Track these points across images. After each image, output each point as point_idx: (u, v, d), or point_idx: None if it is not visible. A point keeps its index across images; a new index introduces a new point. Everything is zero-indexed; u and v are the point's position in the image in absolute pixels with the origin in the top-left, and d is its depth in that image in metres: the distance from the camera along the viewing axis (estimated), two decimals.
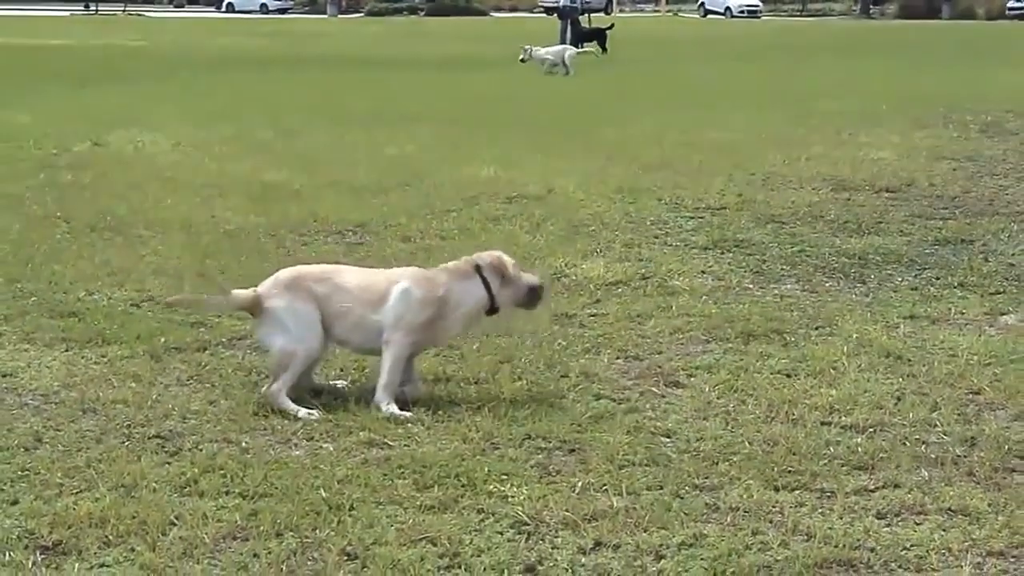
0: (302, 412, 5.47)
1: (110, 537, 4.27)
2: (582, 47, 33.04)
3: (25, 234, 9.26)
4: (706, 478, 4.80)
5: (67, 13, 71.98)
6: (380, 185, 11.50)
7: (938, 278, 8.18)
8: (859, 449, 5.08)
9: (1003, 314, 7.32)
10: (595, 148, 14.02)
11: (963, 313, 7.32)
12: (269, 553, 4.19)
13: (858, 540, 4.30)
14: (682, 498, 4.63)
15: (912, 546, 4.27)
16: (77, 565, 4.11)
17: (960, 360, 6.28)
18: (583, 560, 4.17)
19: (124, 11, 75.33)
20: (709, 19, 76.19)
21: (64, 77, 24.68)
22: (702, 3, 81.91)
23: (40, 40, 41.50)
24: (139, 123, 16.14)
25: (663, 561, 4.15)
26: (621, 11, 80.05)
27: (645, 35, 48.48)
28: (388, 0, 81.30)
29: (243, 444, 5.17)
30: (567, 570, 4.12)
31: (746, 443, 5.16)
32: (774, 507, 4.55)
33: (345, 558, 4.16)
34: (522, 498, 4.58)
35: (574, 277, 8.11)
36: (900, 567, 4.15)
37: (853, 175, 12.06)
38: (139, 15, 73.18)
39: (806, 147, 14.01)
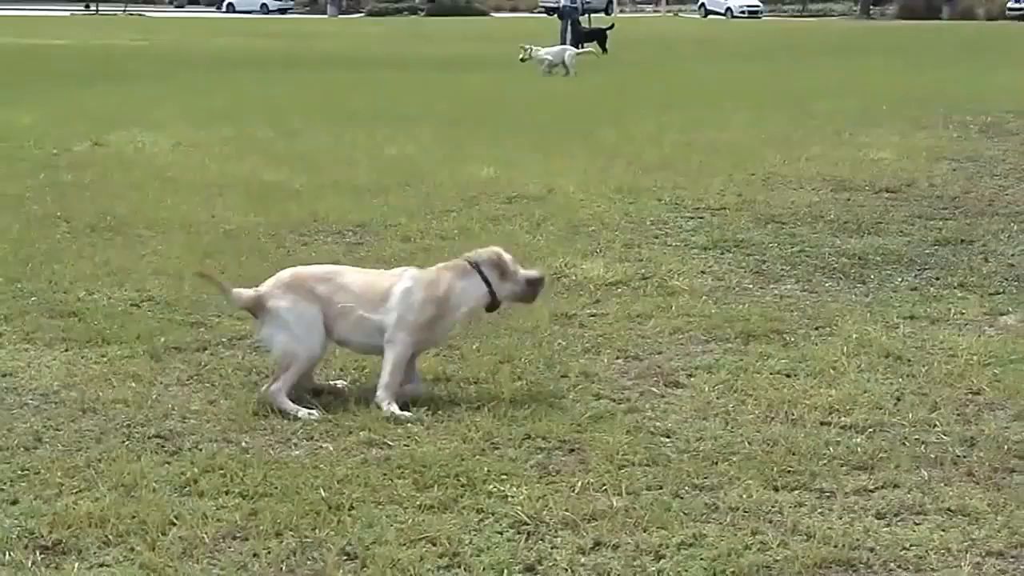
0: (302, 412, 5.47)
1: (110, 537, 4.28)
2: (582, 47, 33.04)
3: (25, 234, 9.27)
4: (706, 478, 4.80)
5: (67, 13, 72.05)
6: (380, 185, 11.50)
7: (938, 278, 8.18)
8: (859, 449, 5.08)
9: (1003, 314, 7.32)
10: (595, 148, 14.01)
11: (963, 313, 7.31)
12: (269, 553, 4.19)
13: (857, 540, 4.30)
14: (682, 498, 4.63)
15: (911, 546, 4.27)
16: (77, 565, 4.12)
17: (960, 360, 6.28)
18: (583, 560, 4.17)
19: (124, 11, 75.36)
20: (710, 19, 76.16)
21: (64, 77, 24.69)
22: (703, 3, 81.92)
23: (40, 40, 41.53)
24: (139, 123, 16.15)
25: (663, 561, 4.16)
26: (622, 11, 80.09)
27: (645, 35, 48.48)
28: (388, 0, 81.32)
29: (243, 444, 5.17)
30: (567, 570, 4.12)
31: (746, 443, 5.16)
32: (773, 507, 4.55)
33: (345, 558, 4.17)
34: (522, 498, 4.58)
35: (574, 277, 8.11)
36: (899, 567, 4.15)
37: (853, 175, 12.04)
38: (139, 15, 73.21)
39: (806, 147, 13.98)
